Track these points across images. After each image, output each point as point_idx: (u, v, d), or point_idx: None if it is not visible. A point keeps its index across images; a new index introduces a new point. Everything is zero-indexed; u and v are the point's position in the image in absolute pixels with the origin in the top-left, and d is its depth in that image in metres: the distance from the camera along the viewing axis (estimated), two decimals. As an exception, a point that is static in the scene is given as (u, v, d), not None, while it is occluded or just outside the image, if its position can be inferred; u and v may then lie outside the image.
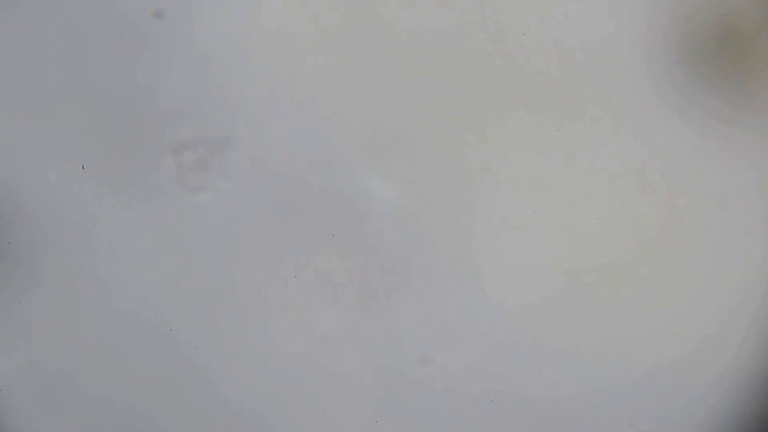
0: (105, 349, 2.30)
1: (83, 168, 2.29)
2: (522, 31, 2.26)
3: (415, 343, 2.26)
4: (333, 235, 2.24)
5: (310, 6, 2.28)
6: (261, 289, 2.28)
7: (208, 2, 2.30)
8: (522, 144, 2.25)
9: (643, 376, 2.23)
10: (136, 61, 2.30)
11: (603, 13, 2.25)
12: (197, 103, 2.29)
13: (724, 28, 2.23)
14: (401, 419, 2.26)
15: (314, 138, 2.27)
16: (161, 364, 2.29)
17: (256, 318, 2.28)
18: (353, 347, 2.27)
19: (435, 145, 2.25)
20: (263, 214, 2.27)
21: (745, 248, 2.23)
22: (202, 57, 2.28)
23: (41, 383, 2.29)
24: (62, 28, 2.31)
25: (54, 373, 2.29)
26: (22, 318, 2.30)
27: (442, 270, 2.25)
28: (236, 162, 2.28)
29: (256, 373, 2.28)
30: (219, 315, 2.28)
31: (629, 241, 2.23)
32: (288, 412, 2.28)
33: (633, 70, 2.25)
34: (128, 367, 2.29)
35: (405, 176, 2.26)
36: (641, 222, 2.24)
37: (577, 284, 2.24)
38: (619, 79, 2.25)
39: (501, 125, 2.25)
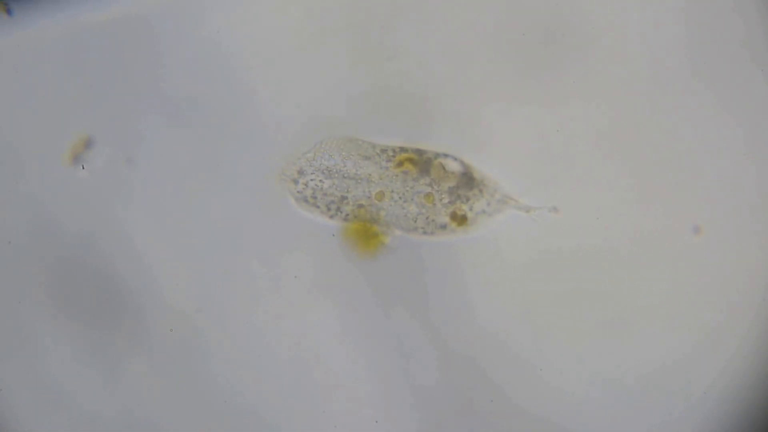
0: (105, 350, 2.30)
1: (83, 168, 2.29)
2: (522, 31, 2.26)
3: (415, 342, 2.26)
4: (333, 236, 2.25)
5: (312, 7, 2.29)
6: (261, 289, 2.28)
7: (210, 3, 2.30)
8: (523, 143, 2.25)
9: (643, 376, 2.23)
10: (136, 56, 2.30)
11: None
12: (199, 102, 2.29)
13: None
14: (401, 419, 2.26)
15: (315, 138, 2.27)
16: (161, 364, 2.29)
17: (256, 318, 2.28)
18: (353, 347, 2.27)
19: (435, 146, 2.25)
20: (264, 214, 2.27)
21: (746, 247, 2.23)
22: (202, 56, 2.29)
23: (41, 383, 2.30)
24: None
25: (53, 373, 2.30)
26: (21, 318, 2.31)
27: (442, 269, 2.25)
28: (236, 162, 2.28)
29: (257, 373, 2.28)
30: (219, 315, 2.29)
31: (629, 241, 2.23)
32: (288, 412, 2.28)
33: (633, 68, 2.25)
34: (128, 367, 2.29)
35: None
36: (641, 222, 2.24)
37: (576, 284, 2.24)
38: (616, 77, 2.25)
39: (503, 121, 2.25)
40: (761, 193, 2.22)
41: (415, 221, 2.13)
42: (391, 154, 2.14)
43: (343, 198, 2.10)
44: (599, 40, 2.24)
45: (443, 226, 2.14)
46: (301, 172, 2.12)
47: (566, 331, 2.24)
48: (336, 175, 2.12)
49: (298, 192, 2.13)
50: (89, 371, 2.29)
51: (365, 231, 2.12)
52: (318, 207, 2.13)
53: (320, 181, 2.13)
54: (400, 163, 2.13)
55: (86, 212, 2.30)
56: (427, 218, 2.12)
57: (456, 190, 2.12)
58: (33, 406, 2.30)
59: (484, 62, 2.25)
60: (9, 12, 2.11)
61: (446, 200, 2.13)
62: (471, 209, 2.14)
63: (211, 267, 2.28)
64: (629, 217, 2.23)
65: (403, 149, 2.15)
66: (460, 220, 2.12)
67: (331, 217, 2.14)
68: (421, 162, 2.12)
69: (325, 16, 2.28)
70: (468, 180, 2.10)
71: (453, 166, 2.14)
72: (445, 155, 2.17)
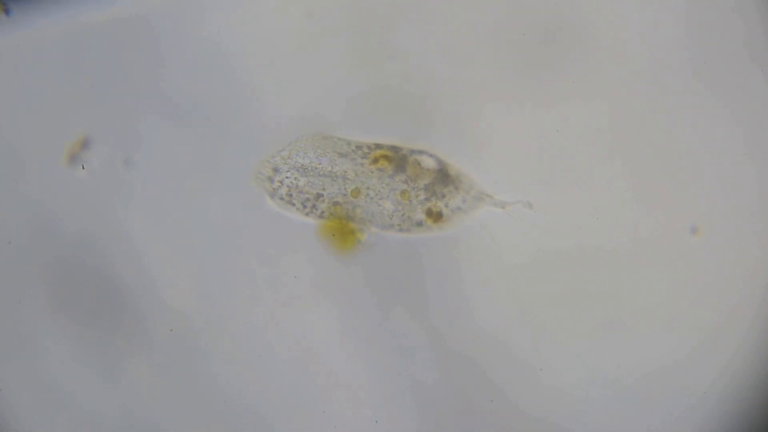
0: (105, 350, 2.30)
1: (83, 168, 2.29)
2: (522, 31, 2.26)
3: (415, 342, 2.26)
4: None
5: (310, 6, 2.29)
6: (261, 289, 2.28)
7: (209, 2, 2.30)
8: (523, 140, 2.26)
9: (643, 376, 2.23)
10: (136, 56, 2.30)
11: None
12: (199, 102, 2.29)
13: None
14: (401, 419, 2.26)
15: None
16: (161, 364, 2.29)
17: (256, 318, 2.28)
18: (353, 347, 2.27)
19: (435, 143, 2.25)
20: (263, 214, 2.27)
21: (746, 247, 2.23)
22: (203, 55, 2.29)
23: (41, 383, 2.30)
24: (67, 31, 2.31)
25: (53, 373, 2.30)
26: (21, 318, 2.31)
27: (441, 269, 2.25)
28: (236, 162, 2.28)
29: (256, 373, 2.28)
30: (219, 315, 2.29)
31: (629, 241, 2.23)
32: (288, 412, 2.28)
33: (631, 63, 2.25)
34: (128, 367, 2.29)
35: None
36: (641, 222, 2.24)
37: (575, 284, 2.24)
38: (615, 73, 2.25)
39: (503, 121, 2.25)
40: (761, 193, 2.22)
41: (391, 218, 2.12)
42: (366, 150, 2.14)
43: (319, 195, 2.10)
44: (599, 40, 2.24)
45: (419, 223, 2.14)
46: (276, 170, 2.12)
47: (566, 331, 2.24)
48: (311, 173, 2.11)
49: (273, 189, 2.12)
50: (89, 371, 2.29)
51: (341, 228, 2.12)
52: (293, 204, 2.12)
53: (295, 178, 2.12)
54: (376, 160, 2.12)
55: (86, 212, 2.30)
56: (402, 215, 2.12)
57: (432, 186, 2.11)
58: (33, 406, 2.30)
59: (484, 62, 2.25)
60: (7, 12, 2.11)
61: (422, 197, 2.12)
62: (447, 206, 2.13)
63: (211, 267, 2.28)
64: (629, 217, 2.23)
65: (378, 146, 2.14)
66: (436, 217, 2.12)
67: (307, 214, 2.13)
68: (397, 159, 2.12)
69: (325, 16, 2.28)
70: (444, 176, 2.10)
71: (428, 162, 2.14)
72: (421, 152, 2.16)
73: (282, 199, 2.11)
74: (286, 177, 2.10)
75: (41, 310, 2.30)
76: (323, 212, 2.08)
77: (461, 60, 2.25)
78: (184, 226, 2.29)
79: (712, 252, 2.23)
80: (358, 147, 2.13)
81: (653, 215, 2.24)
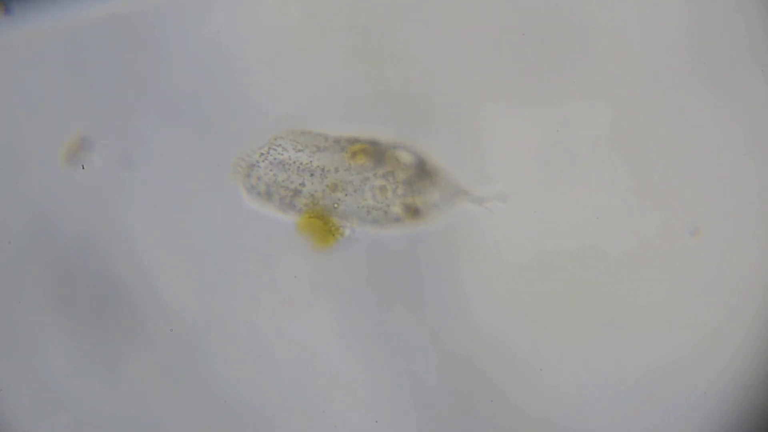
0: (105, 350, 2.30)
1: (83, 168, 2.29)
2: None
3: (415, 343, 2.27)
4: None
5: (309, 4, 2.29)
6: (260, 290, 2.28)
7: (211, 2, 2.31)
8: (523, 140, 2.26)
9: (643, 376, 2.23)
10: (136, 55, 2.31)
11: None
12: (199, 102, 2.29)
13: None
14: (401, 419, 2.26)
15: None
16: (161, 364, 2.29)
17: (255, 318, 2.28)
18: (353, 347, 2.27)
19: (435, 142, 2.25)
20: (263, 214, 2.27)
21: (746, 248, 2.23)
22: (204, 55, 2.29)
23: (41, 383, 2.30)
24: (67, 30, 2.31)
25: (53, 373, 2.30)
26: (21, 318, 2.31)
27: (441, 270, 2.25)
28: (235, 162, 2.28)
29: (256, 374, 2.28)
30: (219, 315, 2.29)
31: (629, 241, 2.23)
32: (288, 412, 2.28)
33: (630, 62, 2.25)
34: (128, 367, 2.29)
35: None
36: (641, 222, 2.24)
37: (575, 284, 2.24)
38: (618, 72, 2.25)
39: (503, 121, 2.26)
40: (761, 193, 2.22)
41: (369, 213, 2.11)
42: (345, 144, 2.13)
43: (297, 191, 2.09)
44: (599, 40, 2.24)
45: (397, 219, 2.13)
46: (254, 166, 2.11)
47: (566, 331, 2.24)
48: (290, 168, 2.10)
49: (251, 186, 2.11)
50: (89, 371, 2.29)
51: (319, 223, 2.11)
52: (272, 201, 2.11)
53: (274, 174, 2.11)
54: (354, 155, 2.12)
55: (86, 212, 2.30)
56: (380, 210, 2.11)
57: (410, 181, 2.11)
58: (33, 406, 2.30)
59: (484, 62, 2.25)
60: (8, 11, 2.11)
61: (400, 192, 2.11)
62: (424, 201, 2.12)
63: (210, 267, 2.28)
64: (629, 217, 2.23)
65: (356, 140, 2.13)
66: (414, 212, 2.11)
67: (285, 210, 2.12)
68: (376, 153, 2.11)
69: (325, 16, 2.28)
70: (422, 171, 2.09)
71: (406, 157, 2.13)
72: (400, 147, 2.15)
73: (260, 195, 2.11)
74: (265, 173, 2.09)
75: (41, 310, 2.30)
76: (301, 208, 2.07)
77: (461, 60, 2.25)
78: (184, 226, 2.29)
79: (712, 252, 2.23)
80: (337, 141, 2.12)
81: (653, 215, 2.24)
